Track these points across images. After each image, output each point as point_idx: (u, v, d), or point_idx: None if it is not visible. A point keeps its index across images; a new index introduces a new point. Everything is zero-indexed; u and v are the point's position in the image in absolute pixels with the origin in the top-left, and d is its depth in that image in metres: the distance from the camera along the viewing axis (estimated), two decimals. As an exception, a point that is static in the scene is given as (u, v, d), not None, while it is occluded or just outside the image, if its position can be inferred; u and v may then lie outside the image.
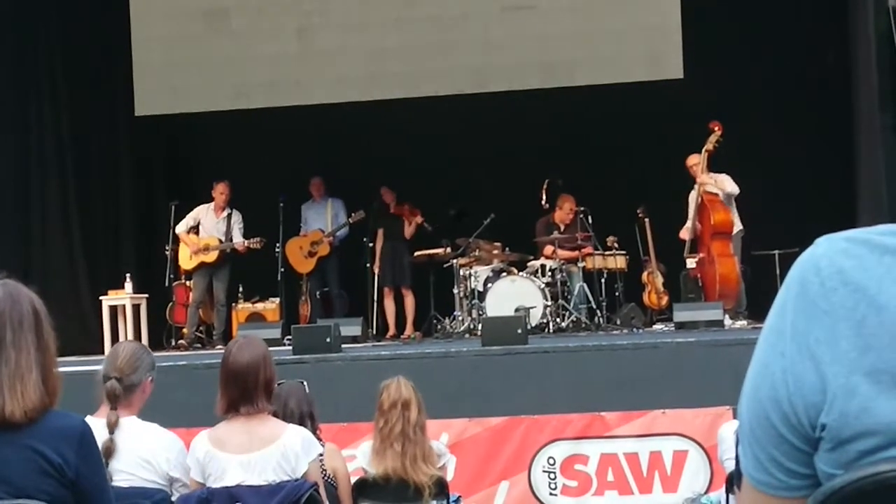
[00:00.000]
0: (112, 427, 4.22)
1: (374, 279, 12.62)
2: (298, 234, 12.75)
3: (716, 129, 11.02)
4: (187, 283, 12.59)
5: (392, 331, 12.56)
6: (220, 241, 12.23)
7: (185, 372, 8.69)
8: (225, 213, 12.34)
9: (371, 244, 12.56)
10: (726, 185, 11.05)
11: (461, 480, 7.48)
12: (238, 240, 12.21)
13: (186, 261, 12.35)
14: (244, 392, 4.51)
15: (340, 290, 12.85)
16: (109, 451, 4.18)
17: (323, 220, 12.83)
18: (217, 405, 4.57)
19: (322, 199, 12.93)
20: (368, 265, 12.55)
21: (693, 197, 11.28)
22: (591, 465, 7.81)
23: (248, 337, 4.93)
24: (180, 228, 12.37)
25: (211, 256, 12.21)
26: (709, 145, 11.05)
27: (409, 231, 12.53)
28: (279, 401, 4.89)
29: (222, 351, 12.17)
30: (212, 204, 12.41)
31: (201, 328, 12.60)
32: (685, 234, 11.35)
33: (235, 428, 4.55)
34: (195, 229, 12.39)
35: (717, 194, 11.10)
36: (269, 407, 4.60)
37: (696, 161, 11.16)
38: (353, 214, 12.59)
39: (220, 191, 12.34)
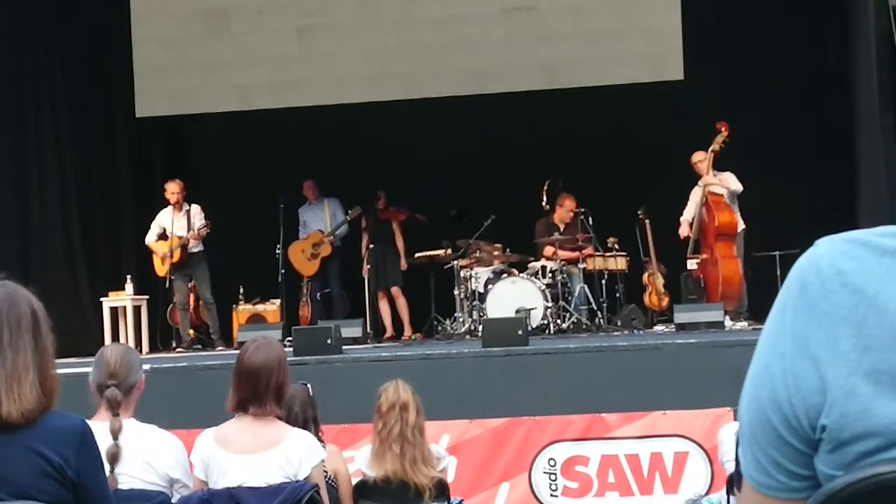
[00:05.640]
0: (116, 434, 4.21)
1: (365, 283, 12.60)
2: (299, 238, 12.72)
3: (723, 129, 11.02)
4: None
5: (389, 332, 12.55)
6: (179, 238, 12.16)
7: (185, 373, 8.70)
8: (183, 210, 12.21)
9: (371, 245, 12.55)
10: (730, 182, 11.05)
11: (462, 482, 7.49)
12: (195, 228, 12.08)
13: (160, 268, 12.24)
14: (254, 392, 4.52)
15: (342, 291, 12.84)
16: (115, 456, 4.16)
17: (321, 221, 12.81)
18: (228, 400, 4.58)
19: (318, 201, 12.90)
20: (368, 266, 12.54)
21: (695, 193, 11.28)
22: (592, 466, 7.81)
23: (266, 339, 4.88)
24: (149, 239, 12.21)
25: (175, 255, 12.13)
26: (715, 145, 11.04)
27: (398, 235, 12.49)
28: (285, 405, 4.88)
29: (222, 352, 12.16)
30: (171, 206, 12.31)
31: (200, 329, 12.59)
32: (684, 229, 11.33)
33: (241, 428, 4.55)
34: (164, 236, 12.28)
35: (721, 195, 11.10)
36: (278, 411, 4.59)
37: (701, 158, 11.16)
38: (350, 211, 12.56)
39: (171, 191, 12.20)
